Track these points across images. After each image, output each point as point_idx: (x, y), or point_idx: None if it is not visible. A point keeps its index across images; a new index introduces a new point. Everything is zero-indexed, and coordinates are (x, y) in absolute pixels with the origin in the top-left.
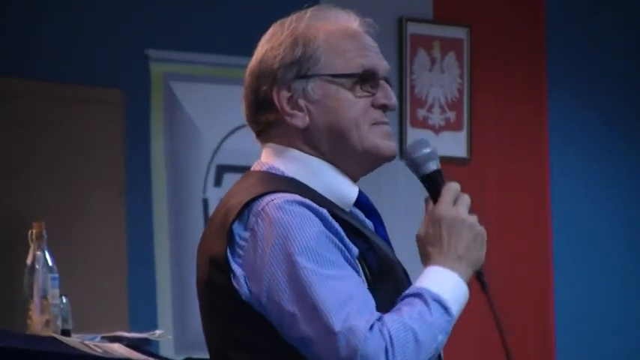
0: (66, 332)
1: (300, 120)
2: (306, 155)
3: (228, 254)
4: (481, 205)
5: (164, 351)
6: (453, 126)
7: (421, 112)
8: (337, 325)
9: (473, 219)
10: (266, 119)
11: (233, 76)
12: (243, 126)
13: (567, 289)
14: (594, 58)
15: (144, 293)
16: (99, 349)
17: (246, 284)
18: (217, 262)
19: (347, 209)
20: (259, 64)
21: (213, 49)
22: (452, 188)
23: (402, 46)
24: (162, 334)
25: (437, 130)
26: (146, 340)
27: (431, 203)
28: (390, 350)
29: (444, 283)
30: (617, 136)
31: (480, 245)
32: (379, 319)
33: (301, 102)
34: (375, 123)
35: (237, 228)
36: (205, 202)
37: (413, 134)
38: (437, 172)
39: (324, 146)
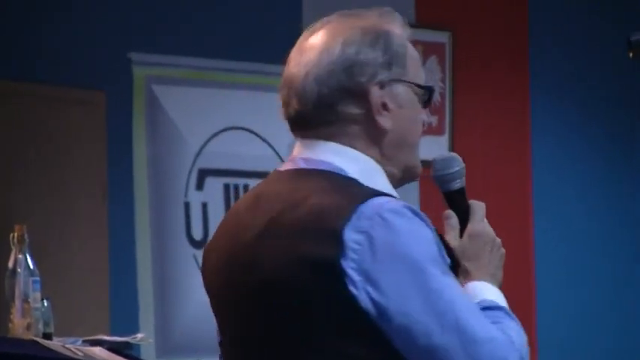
0: (47, 336)
1: (387, 122)
2: (368, 157)
3: (342, 259)
4: None
5: (145, 354)
6: (435, 130)
7: None
8: (479, 333)
9: (499, 240)
10: (349, 112)
11: (216, 80)
12: (225, 129)
13: (549, 291)
14: (576, 62)
15: (125, 297)
16: (80, 353)
17: (365, 291)
18: (323, 266)
19: None
20: (355, 53)
21: (195, 52)
22: (483, 207)
23: None
24: (143, 338)
25: None
26: (127, 344)
27: (454, 218)
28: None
29: (500, 299)
30: (601, 138)
31: (502, 266)
32: (503, 331)
33: (391, 105)
34: None
35: (348, 231)
36: (187, 206)
37: None
38: (463, 189)
39: (389, 153)
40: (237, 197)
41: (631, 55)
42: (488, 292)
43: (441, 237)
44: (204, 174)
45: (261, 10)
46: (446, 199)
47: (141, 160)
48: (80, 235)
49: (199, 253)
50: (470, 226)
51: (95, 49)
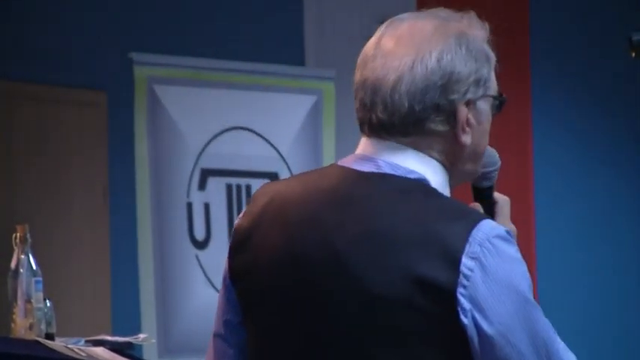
0: (49, 336)
1: (469, 138)
2: (442, 169)
3: (458, 286)
4: None
5: (148, 355)
6: None
7: None
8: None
9: None
10: (435, 128)
11: (217, 80)
12: (227, 130)
13: (550, 294)
14: (578, 62)
15: (127, 297)
16: (82, 353)
17: (473, 318)
18: (437, 289)
19: None
20: (452, 69)
21: (197, 52)
22: (509, 203)
23: None
24: (145, 338)
25: None
26: (129, 344)
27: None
28: None
29: None
30: (603, 137)
31: None
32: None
33: (472, 121)
34: None
35: (463, 257)
36: (189, 206)
37: None
38: (493, 185)
39: (461, 166)
40: (239, 197)
41: (633, 54)
42: None
43: None
44: (206, 174)
45: (262, 11)
46: (474, 193)
47: (143, 161)
48: (82, 235)
49: (201, 254)
50: (500, 223)
51: (97, 49)
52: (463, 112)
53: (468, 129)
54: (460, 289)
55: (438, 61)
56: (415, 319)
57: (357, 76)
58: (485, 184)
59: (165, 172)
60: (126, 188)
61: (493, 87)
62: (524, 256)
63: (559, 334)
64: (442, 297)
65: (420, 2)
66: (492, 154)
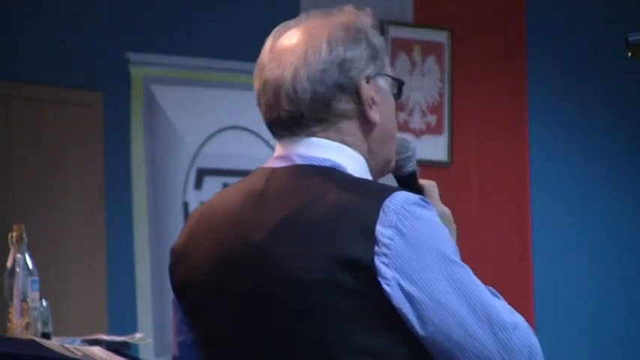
0: (46, 335)
1: (377, 115)
2: (357, 153)
3: (375, 257)
4: (462, 209)
5: (144, 354)
6: (433, 130)
7: (402, 116)
8: (506, 320)
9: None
10: (342, 107)
11: (214, 79)
12: (223, 129)
13: (547, 288)
14: (574, 60)
15: (124, 296)
16: (79, 353)
17: (399, 286)
18: (357, 264)
19: None
20: (344, 50)
21: (193, 52)
22: (436, 186)
23: None
24: (142, 337)
25: (418, 133)
26: (126, 344)
27: None
28: (538, 344)
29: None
30: (600, 136)
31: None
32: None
33: (377, 98)
34: None
35: (380, 227)
36: (185, 205)
37: None
38: (415, 171)
39: (373, 147)
40: None
41: (629, 54)
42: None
43: None
44: (202, 173)
45: (259, 11)
46: (398, 182)
47: (139, 160)
48: (78, 234)
49: None
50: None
51: (92, 49)
52: (365, 87)
53: (374, 106)
54: (381, 259)
55: (329, 44)
56: (342, 297)
57: (256, 83)
58: (405, 171)
59: (162, 172)
60: (122, 188)
61: (387, 69)
62: (521, 255)
63: (559, 333)
64: (362, 270)
65: (417, 2)
66: (403, 141)
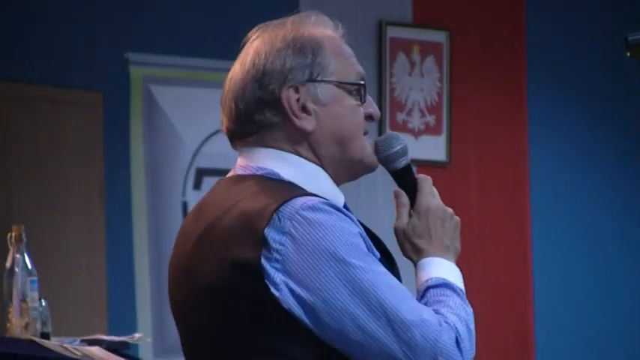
0: (45, 335)
1: (309, 123)
2: (303, 160)
3: (263, 260)
4: (461, 209)
5: (143, 354)
6: (432, 130)
7: (401, 116)
8: (408, 317)
9: (450, 209)
10: (267, 120)
11: (213, 80)
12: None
13: (546, 288)
14: (574, 60)
15: (123, 296)
16: (78, 352)
17: (289, 290)
18: (246, 267)
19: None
20: (264, 64)
21: (192, 52)
22: (429, 181)
23: (382, 50)
24: (141, 337)
25: (416, 133)
26: (125, 344)
27: (404, 195)
28: (459, 341)
29: (452, 273)
30: (600, 134)
31: (458, 235)
32: (436, 312)
33: (310, 106)
34: (365, 133)
35: (270, 232)
36: (185, 205)
37: None
38: (408, 166)
39: (323, 151)
40: None
41: (629, 54)
42: (440, 268)
43: (370, 231)
44: (201, 173)
45: (258, 12)
46: (394, 179)
47: (138, 160)
48: (78, 235)
49: None
50: (418, 202)
51: (92, 49)
52: (288, 98)
53: (303, 114)
54: (272, 264)
55: (252, 60)
56: (240, 300)
57: None
58: (395, 166)
59: (161, 172)
60: (122, 188)
61: (340, 73)
62: (520, 254)
63: (558, 333)
64: (252, 272)
65: (416, 2)
66: (389, 136)
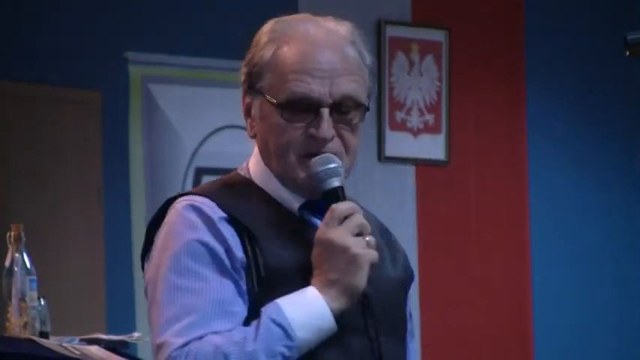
0: (44, 334)
1: (250, 129)
2: (262, 163)
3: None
4: (459, 208)
5: (142, 353)
6: (431, 129)
7: (400, 115)
8: (159, 338)
9: (352, 242)
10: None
11: (212, 79)
12: (221, 128)
13: (546, 290)
14: (573, 60)
15: (122, 295)
16: (77, 352)
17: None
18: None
19: (296, 214)
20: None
21: (191, 51)
22: (337, 210)
23: (381, 49)
24: (140, 337)
25: (415, 132)
26: (124, 343)
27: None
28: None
29: (301, 307)
30: (598, 136)
31: (354, 270)
32: (200, 338)
33: (253, 112)
34: (308, 155)
35: (152, 227)
36: None
37: (391, 137)
38: (339, 188)
39: (264, 159)
40: None
41: (628, 53)
42: (298, 298)
43: (253, 235)
44: (200, 173)
45: (257, 11)
46: (324, 201)
47: (137, 160)
48: (77, 234)
49: None
50: (317, 233)
51: (91, 48)
52: (243, 99)
53: (248, 118)
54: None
55: None
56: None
57: None
58: (322, 187)
59: (160, 171)
60: (120, 186)
61: (271, 90)
62: (519, 254)
63: (558, 332)
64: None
65: (415, 4)
66: (323, 157)
